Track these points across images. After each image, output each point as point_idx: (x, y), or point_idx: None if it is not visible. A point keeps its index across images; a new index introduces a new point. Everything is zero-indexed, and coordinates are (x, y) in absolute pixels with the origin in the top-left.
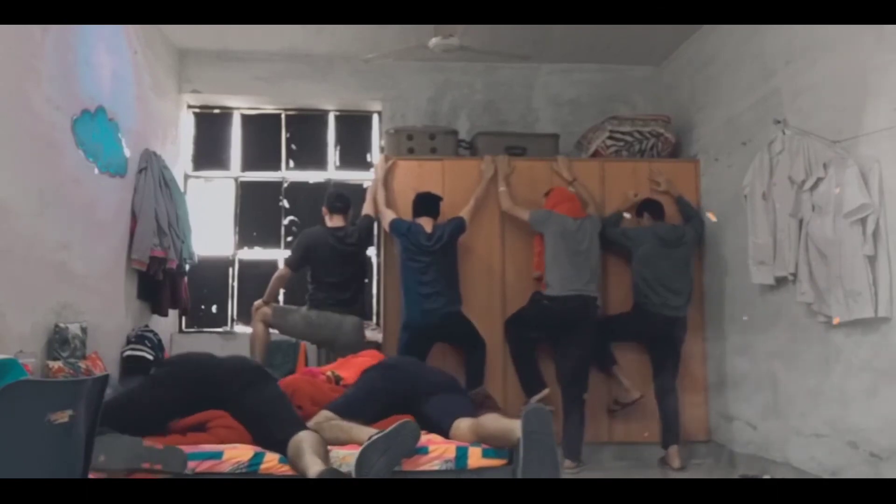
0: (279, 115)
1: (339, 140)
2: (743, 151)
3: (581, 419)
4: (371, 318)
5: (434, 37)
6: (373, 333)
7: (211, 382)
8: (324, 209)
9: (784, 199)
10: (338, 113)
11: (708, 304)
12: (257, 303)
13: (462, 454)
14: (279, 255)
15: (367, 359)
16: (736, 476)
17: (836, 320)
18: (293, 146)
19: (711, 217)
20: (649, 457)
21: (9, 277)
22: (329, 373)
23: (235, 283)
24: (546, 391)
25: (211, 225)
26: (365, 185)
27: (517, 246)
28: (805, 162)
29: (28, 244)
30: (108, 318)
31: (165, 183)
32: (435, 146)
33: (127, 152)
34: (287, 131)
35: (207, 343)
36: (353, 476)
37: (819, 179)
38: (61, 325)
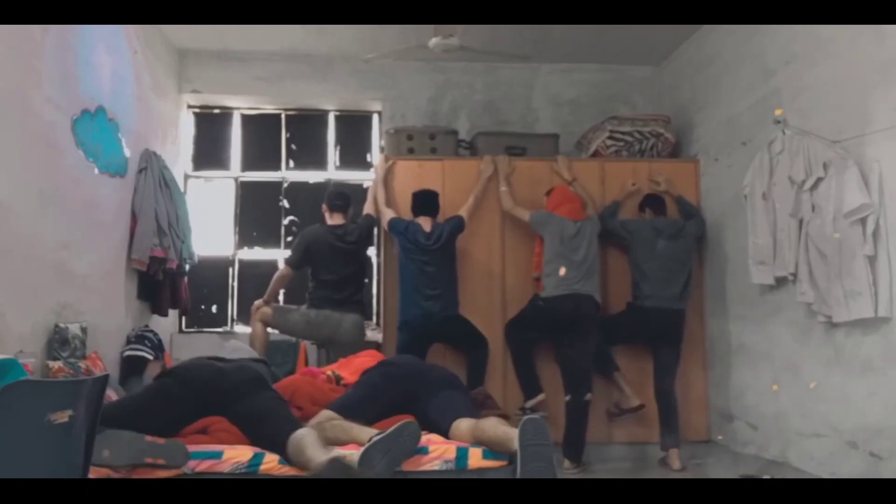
0: (279, 115)
1: (339, 140)
2: (743, 151)
3: (584, 421)
4: (371, 318)
5: (434, 37)
6: (373, 333)
7: (213, 391)
8: (324, 207)
9: (784, 199)
10: (338, 113)
11: (708, 303)
12: (257, 302)
13: (462, 454)
14: (279, 255)
15: (368, 359)
16: (736, 476)
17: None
18: (293, 146)
19: None
20: (649, 457)
21: (9, 277)
22: (329, 373)
23: (235, 283)
24: (542, 396)
25: (211, 225)
26: (365, 185)
27: (517, 246)
28: (805, 162)
29: (28, 244)
30: (108, 318)
31: (165, 183)
32: (435, 146)
33: (127, 152)
34: (287, 131)
35: (207, 343)
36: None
37: (819, 179)
38: (61, 325)
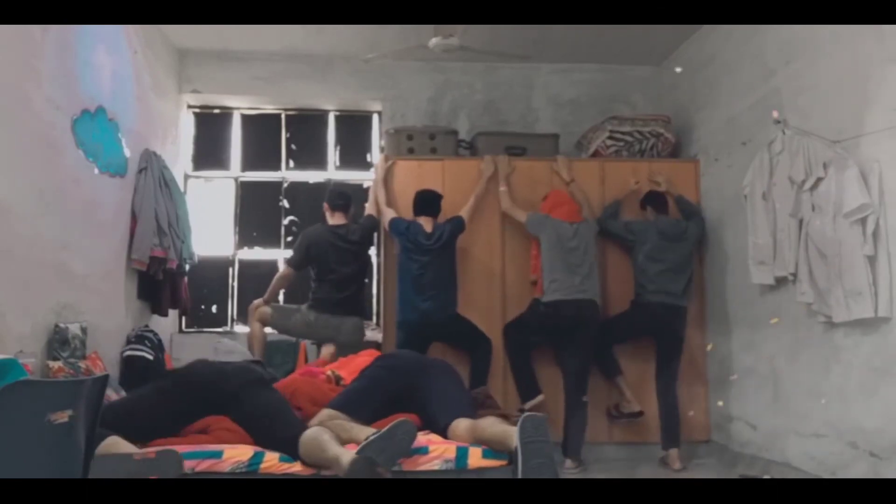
0: (279, 115)
1: (339, 140)
2: (743, 151)
3: (583, 421)
4: (371, 318)
5: (434, 37)
6: (372, 333)
7: (214, 392)
8: (325, 207)
9: (784, 199)
10: (338, 113)
11: (708, 303)
12: (256, 302)
13: (462, 454)
14: (279, 255)
15: (367, 358)
16: (736, 476)
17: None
18: (293, 146)
19: None
20: (649, 457)
21: (9, 277)
22: (329, 373)
23: (235, 283)
24: (541, 397)
25: (211, 225)
26: (365, 186)
27: (517, 246)
28: (805, 162)
29: (28, 244)
30: (108, 318)
31: (165, 183)
32: (435, 146)
33: (127, 152)
34: (287, 131)
35: (207, 343)
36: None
37: (819, 179)
38: (61, 325)
